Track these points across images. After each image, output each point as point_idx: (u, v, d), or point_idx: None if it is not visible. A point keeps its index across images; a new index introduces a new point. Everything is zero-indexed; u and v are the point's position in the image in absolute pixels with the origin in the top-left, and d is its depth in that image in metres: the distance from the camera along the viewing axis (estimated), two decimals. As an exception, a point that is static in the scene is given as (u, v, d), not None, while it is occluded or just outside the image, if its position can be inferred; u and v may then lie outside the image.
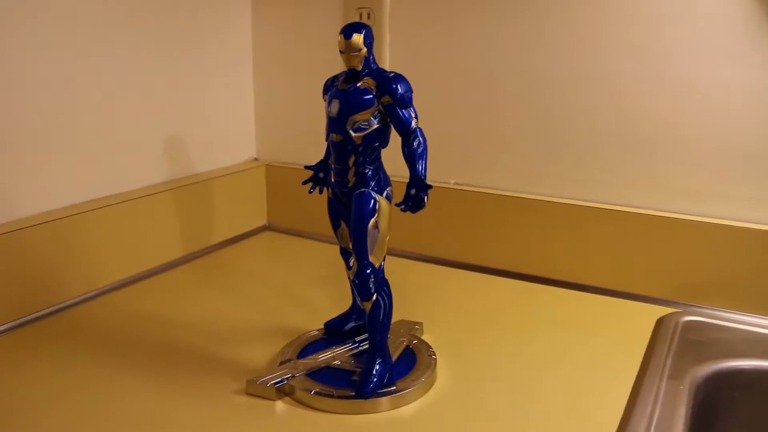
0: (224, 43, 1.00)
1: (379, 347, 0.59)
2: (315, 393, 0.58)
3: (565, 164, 0.86)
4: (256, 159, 1.10)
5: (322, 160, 0.66)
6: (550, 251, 0.87)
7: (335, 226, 0.63)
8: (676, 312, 0.76)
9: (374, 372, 0.58)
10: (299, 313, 0.78)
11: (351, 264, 0.66)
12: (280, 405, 0.59)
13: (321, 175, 0.65)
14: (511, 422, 0.57)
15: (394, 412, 0.58)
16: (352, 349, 0.66)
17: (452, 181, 0.94)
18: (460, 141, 0.92)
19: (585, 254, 0.85)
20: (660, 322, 0.74)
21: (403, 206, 0.55)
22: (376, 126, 0.56)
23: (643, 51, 0.78)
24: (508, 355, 0.68)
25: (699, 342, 0.69)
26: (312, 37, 1.01)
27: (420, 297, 0.82)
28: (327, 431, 0.55)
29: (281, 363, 0.63)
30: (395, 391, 0.59)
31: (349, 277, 0.68)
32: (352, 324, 0.69)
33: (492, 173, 0.91)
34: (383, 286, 0.59)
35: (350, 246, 0.64)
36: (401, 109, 0.55)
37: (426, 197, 0.55)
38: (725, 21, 0.74)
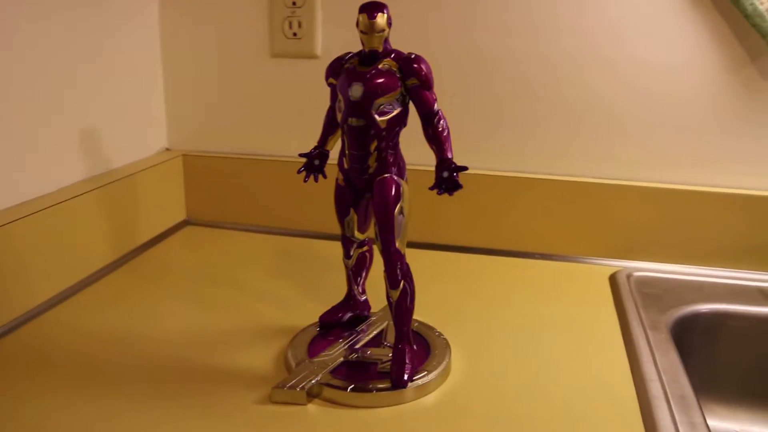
0: (129, 27, 0.89)
1: (406, 334, 0.59)
2: (352, 390, 0.56)
3: (505, 139, 0.90)
4: (167, 149, 1.00)
5: (317, 146, 0.62)
6: (495, 223, 0.91)
7: (344, 215, 0.61)
8: (623, 269, 0.84)
9: (407, 359, 0.57)
10: (272, 310, 0.73)
11: (351, 253, 0.64)
12: (311, 408, 0.56)
13: (316, 162, 0.62)
14: (537, 390, 0.59)
15: (425, 396, 0.58)
16: (357, 340, 0.64)
17: (392, 162, 0.94)
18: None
19: (528, 223, 0.90)
20: (613, 279, 0.81)
21: (437, 190, 0.54)
22: (399, 109, 0.55)
23: (579, 30, 0.84)
24: (497, 327, 0.70)
25: (654, 294, 0.77)
26: (226, 17, 0.94)
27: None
28: (368, 426, 0.54)
29: (297, 365, 0.60)
30: (425, 375, 0.58)
31: (347, 266, 0.65)
32: (349, 314, 0.67)
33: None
34: (407, 271, 0.58)
35: (357, 234, 0.62)
36: (426, 90, 0.54)
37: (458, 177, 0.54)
38: (652, 3, 0.81)
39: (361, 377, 0.58)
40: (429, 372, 0.59)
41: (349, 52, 0.57)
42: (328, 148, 0.62)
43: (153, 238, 0.93)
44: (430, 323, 0.68)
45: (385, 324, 0.67)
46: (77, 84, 0.80)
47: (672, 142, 0.85)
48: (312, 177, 0.63)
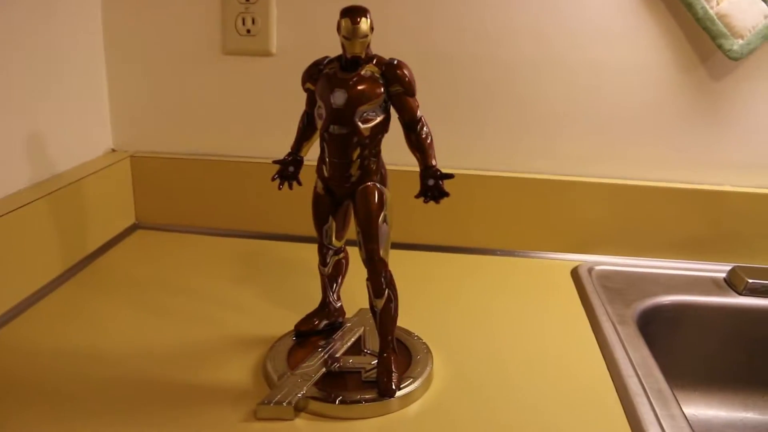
0: (68, 23, 0.83)
1: (391, 342, 0.58)
2: (340, 402, 0.55)
3: (464, 137, 0.90)
4: (113, 150, 0.95)
5: (291, 153, 0.60)
6: (454, 220, 0.91)
7: (322, 223, 0.59)
8: (583, 263, 0.86)
9: (393, 368, 0.57)
10: (239, 319, 0.71)
11: (328, 260, 0.63)
12: (299, 422, 0.54)
13: (291, 169, 0.60)
14: (519, 391, 0.60)
15: (411, 404, 0.57)
16: (336, 348, 0.63)
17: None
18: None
19: (488, 219, 0.91)
20: (575, 274, 0.83)
21: (423, 198, 0.54)
22: (382, 116, 0.54)
23: (537, 32, 0.85)
24: (469, 327, 0.71)
25: (615, 288, 0.79)
26: (174, 12, 0.89)
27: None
28: (358, 438, 0.53)
29: (279, 378, 0.58)
30: (411, 383, 0.58)
31: (322, 273, 0.64)
32: (325, 322, 0.66)
33: (396, 150, 0.92)
34: (391, 280, 0.57)
35: (334, 242, 0.61)
36: (410, 97, 0.53)
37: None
38: (609, 7, 0.83)
39: (343, 387, 0.57)
40: (414, 379, 0.58)
41: (326, 57, 0.55)
42: (302, 154, 0.60)
43: (102, 246, 0.88)
44: (402, 325, 0.68)
45: (361, 330, 0.66)
46: (16, 85, 0.74)
47: (628, 139, 0.87)
48: (286, 184, 0.60)
